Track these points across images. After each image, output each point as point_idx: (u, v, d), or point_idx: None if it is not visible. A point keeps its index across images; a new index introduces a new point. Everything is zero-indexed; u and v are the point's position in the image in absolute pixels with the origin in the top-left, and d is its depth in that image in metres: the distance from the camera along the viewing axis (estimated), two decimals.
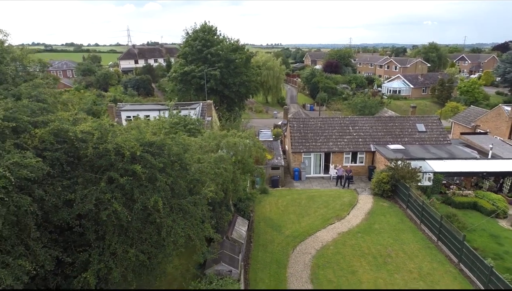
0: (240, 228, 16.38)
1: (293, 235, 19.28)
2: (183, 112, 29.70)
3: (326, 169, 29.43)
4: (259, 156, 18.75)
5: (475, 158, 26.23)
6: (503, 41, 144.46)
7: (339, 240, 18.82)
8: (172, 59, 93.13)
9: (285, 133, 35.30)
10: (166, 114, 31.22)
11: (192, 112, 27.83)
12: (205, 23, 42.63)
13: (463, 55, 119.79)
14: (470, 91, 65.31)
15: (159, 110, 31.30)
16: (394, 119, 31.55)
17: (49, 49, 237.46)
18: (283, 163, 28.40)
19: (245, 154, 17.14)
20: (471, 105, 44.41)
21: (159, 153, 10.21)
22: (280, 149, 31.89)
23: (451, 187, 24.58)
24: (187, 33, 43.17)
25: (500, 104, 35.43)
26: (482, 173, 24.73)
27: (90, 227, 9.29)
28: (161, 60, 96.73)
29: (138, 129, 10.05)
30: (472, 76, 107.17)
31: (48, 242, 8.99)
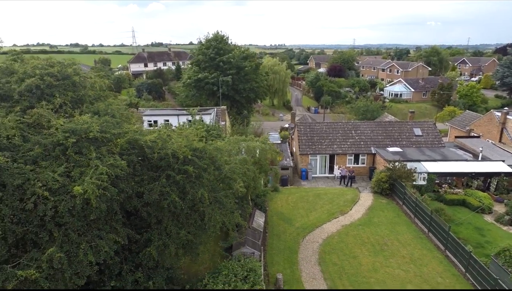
0: (259, 219, 19.24)
1: (302, 227, 22.10)
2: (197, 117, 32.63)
3: (331, 169, 32.23)
4: (273, 158, 21.53)
5: (466, 160, 28.93)
6: (507, 42, 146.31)
7: (343, 231, 21.63)
8: (181, 63, 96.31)
9: (293, 136, 38.10)
10: (184, 118, 34.24)
11: (212, 117, 30.75)
12: (217, 33, 45.60)
13: (464, 58, 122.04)
14: (468, 95, 67.76)
15: (177, 115, 34.30)
16: (393, 124, 34.29)
17: (56, 50, 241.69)
18: (291, 163, 31.21)
19: (262, 156, 20.00)
20: (467, 110, 46.92)
21: (202, 156, 13.05)
22: (288, 150, 34.70)
23: (443, 186, 27.28)
24: (200, 42, 46.15)
25: (491, 110, 37.97)
26: (471, 173, 27.44)
27: (152, 213, 12.15)
28: (169, 64, 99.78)
29: (187, 138, 12.91)
30: (472, 79, 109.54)
31: (121, 224, 11.87)
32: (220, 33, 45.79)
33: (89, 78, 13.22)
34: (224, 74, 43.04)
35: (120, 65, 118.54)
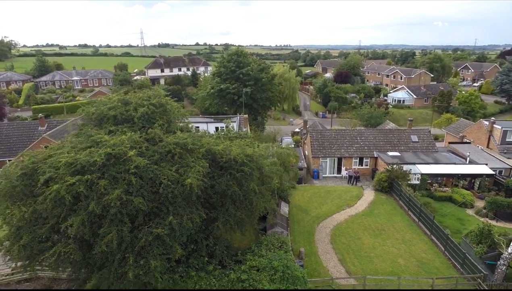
0: (284, 208, 24.66)
1: (317, 216, 27.47)
2: (221, 125, 38.34)
3: (339, 170, 37.53)
4: (294, 161, 26.91)
5: (454, 163, 34.06)
6: None
7: (349, 220, 26.97)
8: (195, 68, 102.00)
9: (305, 141, 43.45)
10: (211, 126, 39.81)
11: (237, 125, 36.27)
12: (238, 47, 51.26)
13: (466, 64, 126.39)
14: (467, 101, 72.48)
15: (207, 123, 39.87)
16: (393, 132, 39.51)
17: (69, 53, 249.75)
18: (305, 165, 36.57)
19: (286, 159, 25.43)
20: (461, 118, 51.83)
21: (251, 160, 18.49)
22: (302, 153, 40.05)
23: (434, 184, 32.46)
24: (222, 56, 51.74)
25: (481, 120, 42.96)
26: (457, 174, 32.60)
27: (218, 198, 17.60)
28: (184, 69, 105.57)
29: (241, 147, 18.35)
30: (474, 84, 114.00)
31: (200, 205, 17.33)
32: (239, 47, 51.36)
33: (172, 105, 18.78)
34: (244, 85, 48.57)
35: (136, 70, 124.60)
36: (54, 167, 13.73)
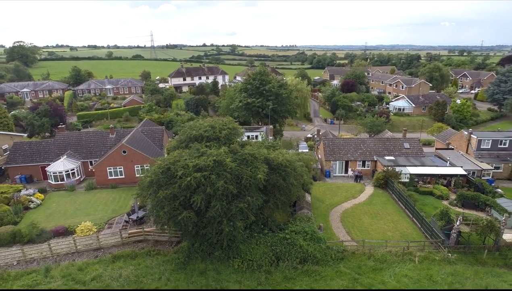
0: (308, 197, 34.59)
1: (330, 204, 37.34)
2: (252, 134, 48.24)
3: (346, 171, 47.32)
4: (313, 163, 36.75)
5: (436, 165, 43.69)
6: None
7: (354, 207, 36.81)
8: (214, 77, 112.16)
9: (318, 147, 53.27)
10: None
11: (264, 134, 46.29)
12: (261, 67, 61.30)
13: (465, 72, 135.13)
14: (460, 110, 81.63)
15: None
16: (390, 140, 49.18)
17: (86, 57, 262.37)
18: (319, 166, 46.41)
19: (308, 162, 35.37)
20: (449, 128, 61.25)
21: (290, 163, 28.38)
22: (316, 157, 49.87)
23: (419, 182, 42.13)
24: (248, 74, 61.95)
25: (462, 130, 52.40)
26: (438, 174, 42.23)
27: (270, 188, 27.52)
28: (204, 78, 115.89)
29: (282, 155, 28.21)
30: (472, 91, 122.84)
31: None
32: (263, 66, 61.43)
33: (239, 128, 28.86)
34: (266, 100, 58.59)
35: (158, 77, 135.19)
36: (183, 167, 23.82)
